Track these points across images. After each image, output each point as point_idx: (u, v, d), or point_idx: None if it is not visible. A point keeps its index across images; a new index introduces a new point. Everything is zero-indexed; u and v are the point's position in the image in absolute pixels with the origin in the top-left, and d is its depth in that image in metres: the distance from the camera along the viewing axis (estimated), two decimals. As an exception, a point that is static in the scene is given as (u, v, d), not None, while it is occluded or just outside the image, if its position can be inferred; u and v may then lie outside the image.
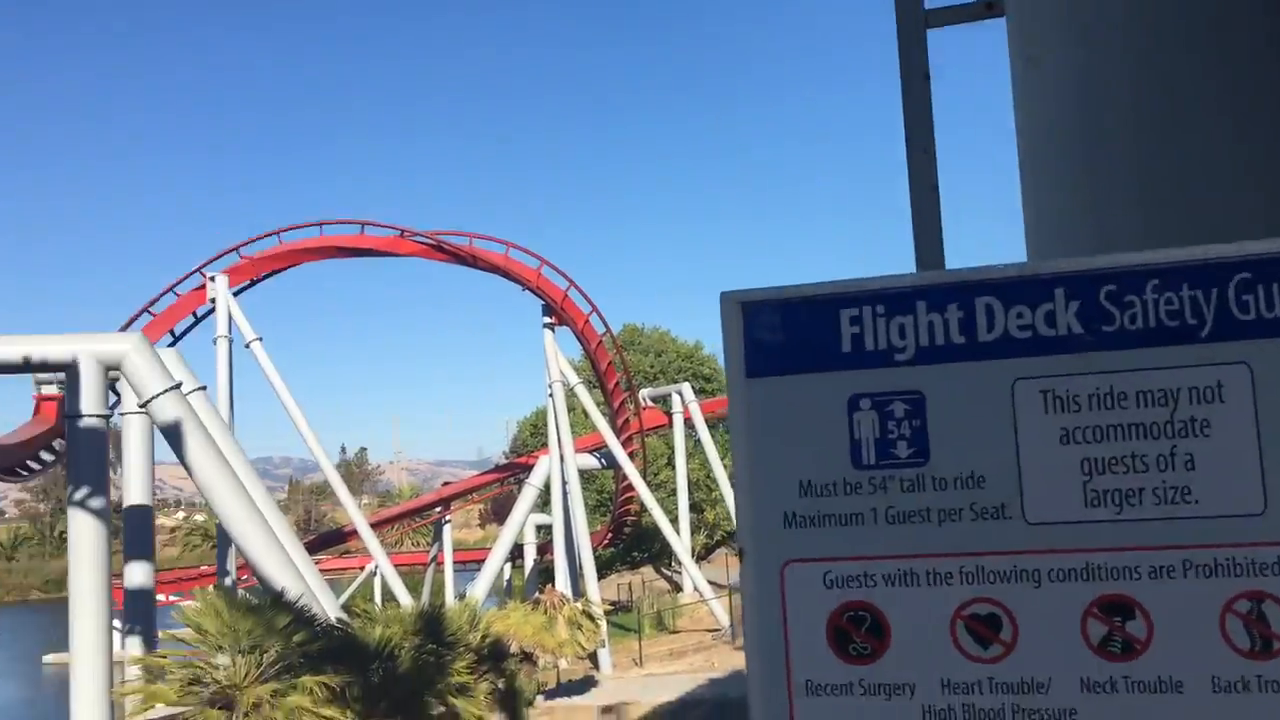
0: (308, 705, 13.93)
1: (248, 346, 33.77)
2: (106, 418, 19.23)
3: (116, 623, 21.05)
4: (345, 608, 24.69)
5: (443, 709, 17.38)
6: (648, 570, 54.91)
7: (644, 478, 42.53)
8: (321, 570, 29.04)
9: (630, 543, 54.39)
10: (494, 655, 23.11)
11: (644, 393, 47.73)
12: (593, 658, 34.04)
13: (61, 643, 19.01)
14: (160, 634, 22.23)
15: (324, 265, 39.52)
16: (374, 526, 43.65)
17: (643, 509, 44.52)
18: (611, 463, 41.89)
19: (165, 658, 16.35)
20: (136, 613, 22.24)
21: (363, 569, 47.06)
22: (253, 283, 37.32)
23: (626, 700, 28.67)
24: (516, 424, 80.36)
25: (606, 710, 28.14)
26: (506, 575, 51.00)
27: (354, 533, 43.47)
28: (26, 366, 19.13)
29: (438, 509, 51.82)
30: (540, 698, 29.12)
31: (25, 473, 27.01)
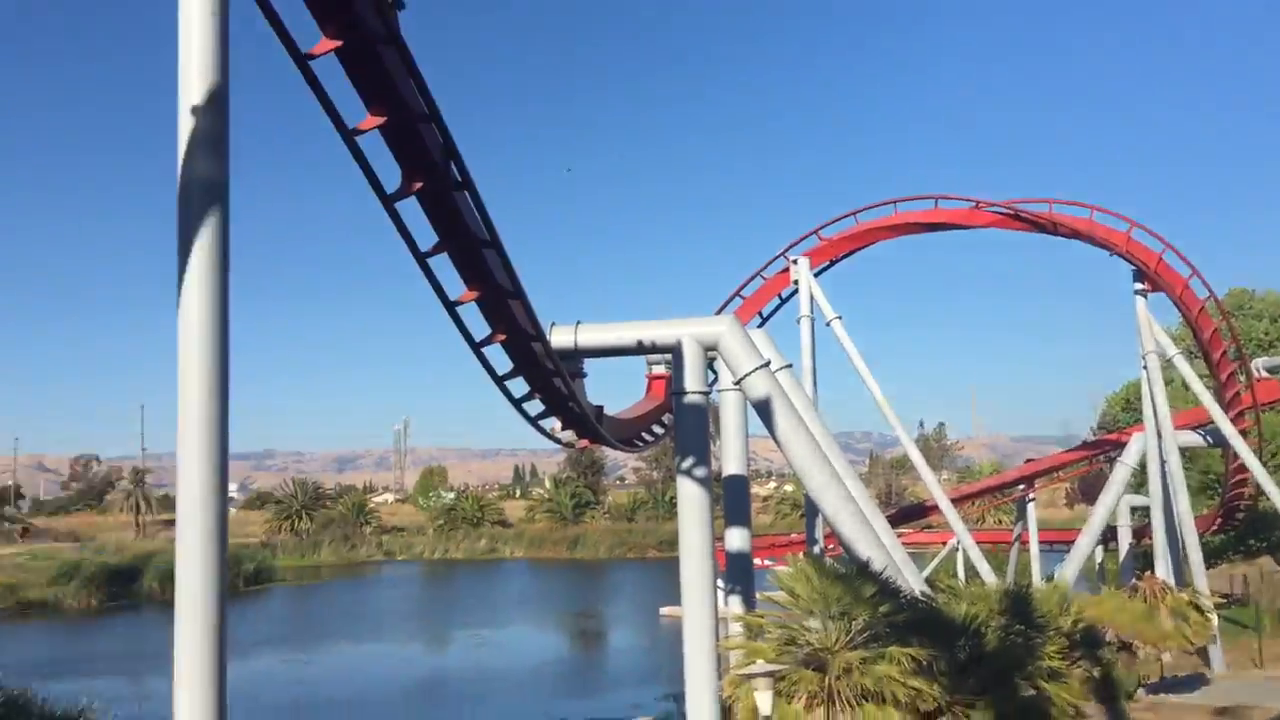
0: (895, 675, 14.16)
1: (828, 325, 35.05)
2: (706, 394, 20.99)
3: (720, 582, 22.96)
4: (928, 582, 24.79)
5: (1032, 692, 16.82)
6: (1266, 561, 48.76)
7: (1259, 457, 37.75)
8: (903, 544, 29.42)
9: (1244, 529, 48.69)
10: (1087, 642, 21.92)
11: (1257, 363, 42.34)
12: (1202, 653, 31.02)
13: (674, 597, 21.14)
14: (758, 595, 23.88)
15: (894, 241, 39.78)
16: (954, 502, 43.30)
17: (1259, 492, 39.59)
18: (1219, 440, 37.69)
19: (763, 618, 17.48)
20: (736, 573, 24.07)
21: (944, 545, 46.97)
22: (831, 263, 38.65)
23: (1245, 703, 25.72)
24: (1105, 398, 75.28)
25: (1221, 712, 25.44)
26: (1098, 559, 48.08)
27: (934, 508, 43.47)
28: (639, 349, 21.47)
29: (1020, 486, 50.18)
30: (1141, 691, 27.13)
31: (640, 444, 30.31)
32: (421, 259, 13.29)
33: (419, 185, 12.32)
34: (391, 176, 12.20)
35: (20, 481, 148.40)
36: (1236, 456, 37.55)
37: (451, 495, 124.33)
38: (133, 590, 68.54)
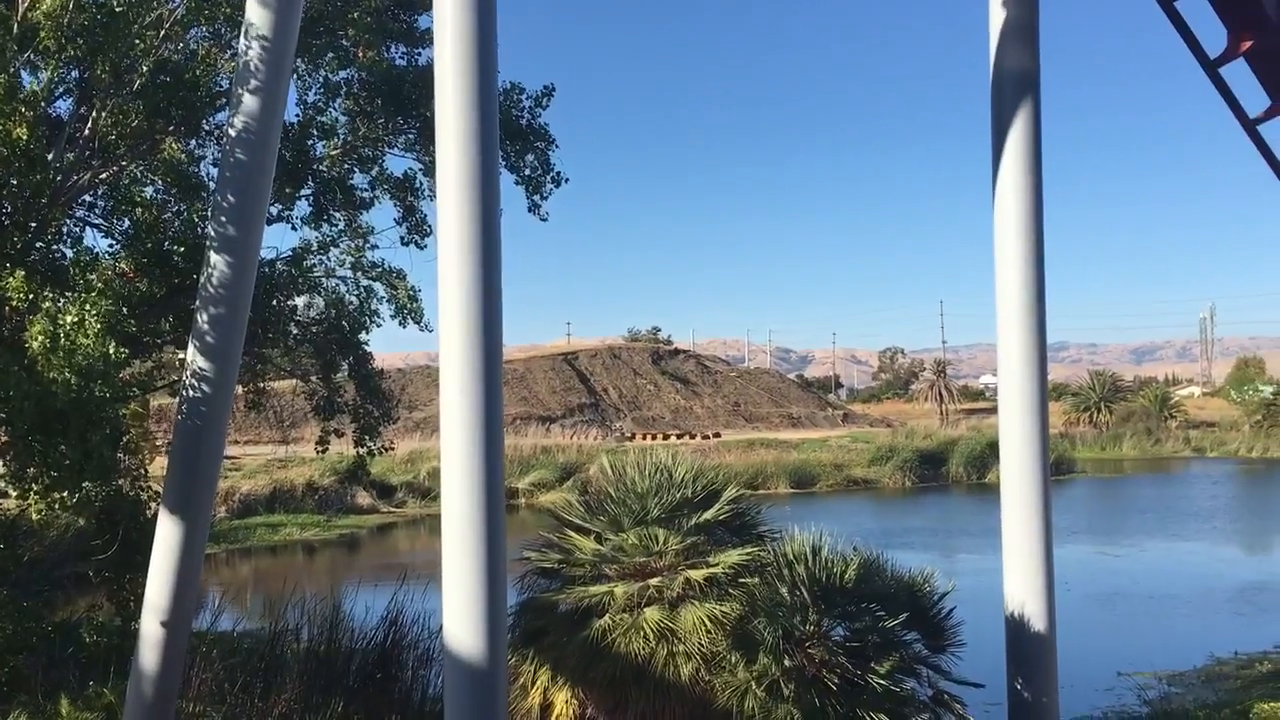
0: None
1: None
2: None
3: None
4: None
5: None
6: None
7: None
8: None
9: None
10: None
11: None
12: None
13: None
14: None
15: None
16: None
17: None
18: None
19: None
20: None
21: None
22: None
23: None
24: None
25: None
26: None
27: None
28: None
29: None
30: None
31: None
32: (1252, 126, 12.07)
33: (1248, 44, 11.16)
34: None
35: (838, 372, 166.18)
36: None
37: (1271, 389, 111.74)
38: (940, 474, 73.47)
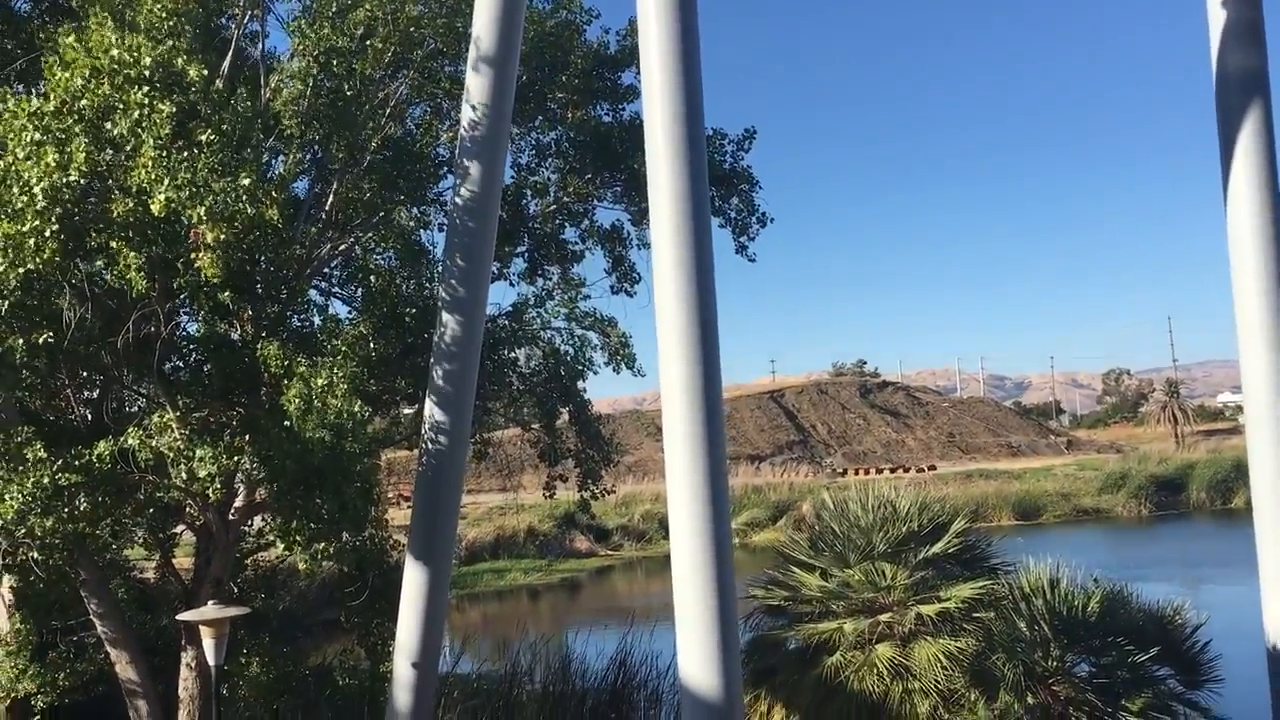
0: None
1: None
2: None
3: None
4: None
5: None
6: None
7: None
8: None
9: None
10: None
11: None
12: None
13: None
14: None
15: None
16: None
17: None
18: None
19: None
20: None
21: None
22: None
23: None
24: None
25: None
26: None
27: None
28: None
29: None
30: None
31: None
32: None
33: None
34: None
35: (1058, 397, 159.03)
36: None
37: None
38: (1179, 500, 69.05)
